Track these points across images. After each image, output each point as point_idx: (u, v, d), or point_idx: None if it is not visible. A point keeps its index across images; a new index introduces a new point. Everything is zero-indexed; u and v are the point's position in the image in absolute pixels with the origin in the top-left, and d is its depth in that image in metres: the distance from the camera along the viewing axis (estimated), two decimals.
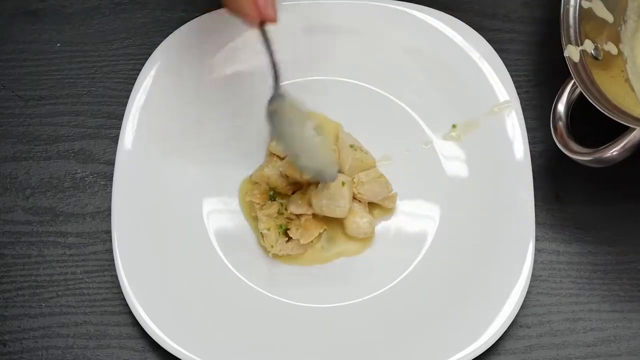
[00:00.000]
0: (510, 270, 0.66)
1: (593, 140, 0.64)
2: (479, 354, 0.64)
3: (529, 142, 0.71)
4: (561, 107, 0.67)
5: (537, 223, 0.68)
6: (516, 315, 0.65)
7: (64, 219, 0.72)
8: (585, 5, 0.70)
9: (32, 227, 0.71)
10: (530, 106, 0.76)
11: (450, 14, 0.75)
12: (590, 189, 0.72)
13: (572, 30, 0.69)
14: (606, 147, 0.63)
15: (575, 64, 0.68)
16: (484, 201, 0.70)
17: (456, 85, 0.74)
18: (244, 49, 0.75)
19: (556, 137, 0.67)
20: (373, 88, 0.76)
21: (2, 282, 0.69)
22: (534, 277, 0.69)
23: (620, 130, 0.63)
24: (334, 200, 0.68)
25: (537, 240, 0.68)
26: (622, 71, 0.70)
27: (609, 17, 0.71)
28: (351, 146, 0.71)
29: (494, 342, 0.64)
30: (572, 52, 0.68)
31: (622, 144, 0.62)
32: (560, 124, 0.67)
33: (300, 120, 0.67)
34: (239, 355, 0.65)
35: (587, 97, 0.65)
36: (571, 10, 0.70)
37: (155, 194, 0.70)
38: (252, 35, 0.74)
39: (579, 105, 0.67)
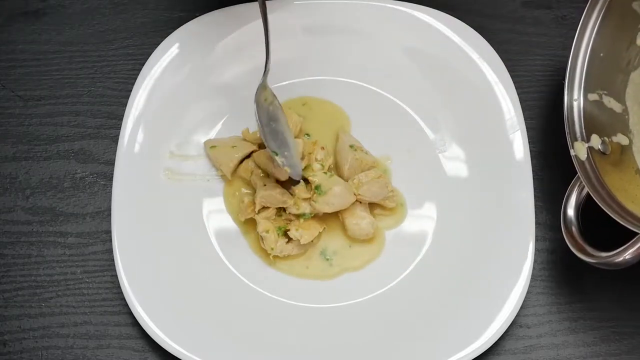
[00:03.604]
0: (510, 270, 0.66)
1: (608, 230, 0.61)
2: (479, 354, 0.64)
3: (529, 142, 0.71)
4: (571, 210, 0.65)
5: (537, 223, 0.68)
6: (516, 315, 0.65)
7: (64, 219, 0.72)
8: (591, 98, 0.68)
9: (32, 227, 0.71)
10: (530, 106, 0.76)
11: (450, 14, 0.75)
12: None
13: (577, 127, 0.67)
14: (620, 251, 0.60)
15: (582, 162, 0.66)
16: (484, 201, 0.70)
17: (456, 85, 0.74)
18: (243, 49, 0.75)
19: (569, 241, 0.64)
20: (373, 88, 0.76)
21: (2, 282, 0.69)
22: (534, 277, 0.69)
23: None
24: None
25: (537, 240, 0.68)
26: (633, 163, 0.68)
27: (618, 107, 0.69)
28: (351, 146, 0.71)
29: (494, 342, 0.64)
30: (579, 150, 0.66)
31: (635, 247, 0.59)
32: (573, 228, 0.65)
33: (279, 115, 0.69)
34: (239, 355, 0.65)
35: (596, 200, 0.62)
36: (575, 105, 0.68)
37: (155, 194, 0.70)
38: (251, 35, 0.75)
39: (591, 198, 0.64)
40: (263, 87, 0.68)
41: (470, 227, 0.70)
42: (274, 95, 0.69)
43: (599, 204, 0.62)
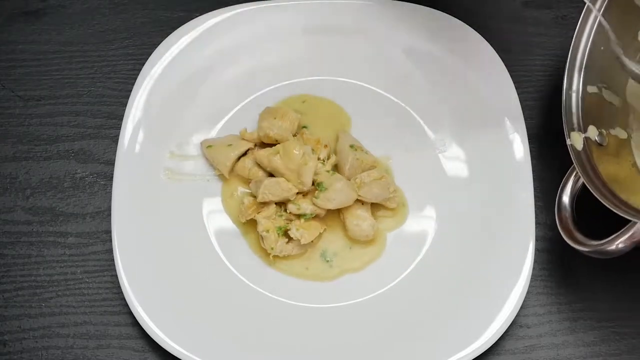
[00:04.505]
0: (510, 270, 0.66)
1: (601, 224, 0.61)
2: (479, 354, 0.64)
3: (529, 142, 0.71)
4: (566, 198, 0.65)
5: (537, 223, 0.68)
6: (516, 315, 0.65)
7: (64, 219, 0.72)
8: (591, 90, 0.68)
9: (32, 227, 0.71)
10: (530, 106, 0.76)
11: (450, 14, 0.75)
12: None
13: (574, 117, 0.67)
14: (612, 238, 0.60)
15: (578, 152, 0.65)
16: (484, 201, 0.70)
17: (456, 85, 0.74)
18: (243, 50, 0.75)
19: (562, 229, 0.65)
20: (373, 88, 0.76)
21: (2, 282, 0.69)
22: (534, 277, 0.69)
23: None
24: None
25: (537, 240, 0.68)
26: (629, 156, 0.68)
27: (617, 101, 0.69)
28: (351, 146, 0.71)
29: (494, 342, 0.64)
30: (575, 140, 0.66)
31: (627, 235, 0.59)
32: (566, 214, 0.65)
33: None
34: (239, 355, 0.65)
35: (590, 189, 0.62)
36: (574, 96, 0.68)
37: (155, 194, 0.70)
38: (251, 35, 0.75)
39: (586, 191, 0.64)
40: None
41: (471, 227, 0.70)
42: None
43: (593, 193, 0.62)
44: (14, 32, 0.80)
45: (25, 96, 0.77)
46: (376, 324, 0.67)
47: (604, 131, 0.68)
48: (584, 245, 0.62)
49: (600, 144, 0.67)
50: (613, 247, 0.60)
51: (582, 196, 0.66)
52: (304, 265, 0.69)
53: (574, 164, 0.65)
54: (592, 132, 0.67)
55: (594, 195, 0.62)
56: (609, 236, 0.61)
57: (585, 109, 0.68)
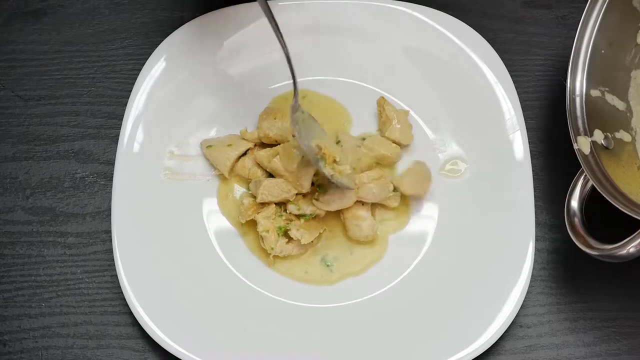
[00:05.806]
0: (510, 270, 0.66)
1: (612, 229, 0.62)
2: (479, 354, 0.64)
3: (529, 142, 0.71)
4: (574, 203, 0.65)
5: (537, 223, 0.68)
6: (516, 315, 0.65)
7: (64, 219, 0.72)
8: (594, 94, 0.68)
9: (32, 227, 0.71)
10: (530, 106, 0.76)
11: (450, 14, 0.75)
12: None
13: (579, 121, 0.67)
14: (624, 243, 0.60)
15: (586, 156, 0.65)
16: (484, 201, 0.70)
17: (456, 85, 0.74)
18: (243, 49, 0.75)
19: (572, 233, 0.64)
20: (373, 88, 0.76)
21: (2, 282, 0.69)
22: (534, 277, 0.69)
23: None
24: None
25: (537, 240, 0.68)
26: (634, 158, 0.68)
27: (621, 105, 0.69)
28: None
29: (494, 342, 0.64)
30: (582, 144, 0.65)
31: (639, 240, 0.59)
32: (576, 220, 0.64)
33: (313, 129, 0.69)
34: (238, 355, 0.65)
35: (601, 192, 0.62)
36: (577, 100, 0.68)
37: (155, 194, 0.70)
38: (251, 35, 0.75)
39: (594, 195, 0.64)
40: (294, 108, 0.68)
41: (471, 227, 0.70)
42: (303, 112, 0.69)
43: (604, 195, 0.62)
44: (14, 32, 0.80)
45: (25, 96, 0.77)
46: (376, 324, 0.67)
47: (609, 134, 0.68)
48: (596, 250, 0.62)
49: (606, 147, 0.67)
50: (624, 251, 0.60)
51: (589, 202, 0.65)
52: (304, 269, 0.69)
53: (583, 168, 0.65)
54: (598, 135, 0.67)
55: (599, 200, 0.62)
56: (613, 240, 0.61)
57: (589, 113, 0.68)
